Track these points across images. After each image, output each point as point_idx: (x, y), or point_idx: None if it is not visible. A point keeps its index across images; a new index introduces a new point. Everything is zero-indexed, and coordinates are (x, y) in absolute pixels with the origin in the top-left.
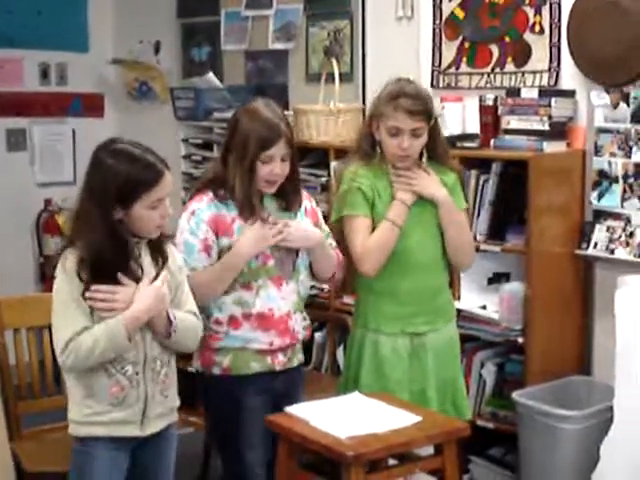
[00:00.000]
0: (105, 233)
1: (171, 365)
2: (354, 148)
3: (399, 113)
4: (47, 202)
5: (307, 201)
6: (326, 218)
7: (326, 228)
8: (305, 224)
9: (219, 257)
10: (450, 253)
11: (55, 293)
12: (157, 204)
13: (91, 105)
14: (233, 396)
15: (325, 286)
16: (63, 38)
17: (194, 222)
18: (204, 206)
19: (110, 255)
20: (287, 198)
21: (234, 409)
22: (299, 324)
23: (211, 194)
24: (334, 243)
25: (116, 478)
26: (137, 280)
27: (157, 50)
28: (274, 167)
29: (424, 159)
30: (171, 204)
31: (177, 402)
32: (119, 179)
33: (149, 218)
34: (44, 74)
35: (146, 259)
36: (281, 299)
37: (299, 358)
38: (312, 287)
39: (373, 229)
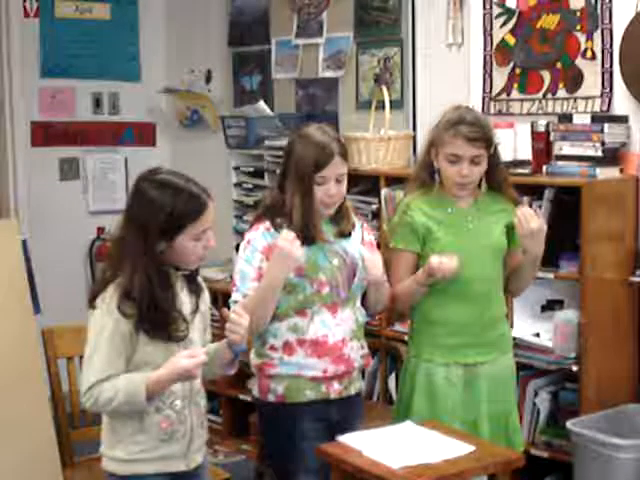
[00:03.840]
0: (148, 266)
1: (205, 398)
2: (412, 176)
3: (458, 140)
4: (100, 230)
5: (366, 232)
6: (377, 245)
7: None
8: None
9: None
10: (511, 286)
11: (92, 326)
12: (201, 235)
13: (143, 134)
14: (288, 423)
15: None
16: (115, 68)
17: (249, 251)
18: (259, 235)
19: (154, 288)
20: (340, 221)
21: (290, 436)
22: (355, 352)
23: (268, 223)
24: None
25: None
26: (181, 316)
27: (208, 79)
28: (329, 188)
29: (483, 188)
30: (222, 232)
31: (207, 435)
32: (164, 212)
33: (192, 249)
34: (97, 103)
35: (183, 292)
36: (336, 326)
37: (357, 387)
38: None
39: (417, 265)
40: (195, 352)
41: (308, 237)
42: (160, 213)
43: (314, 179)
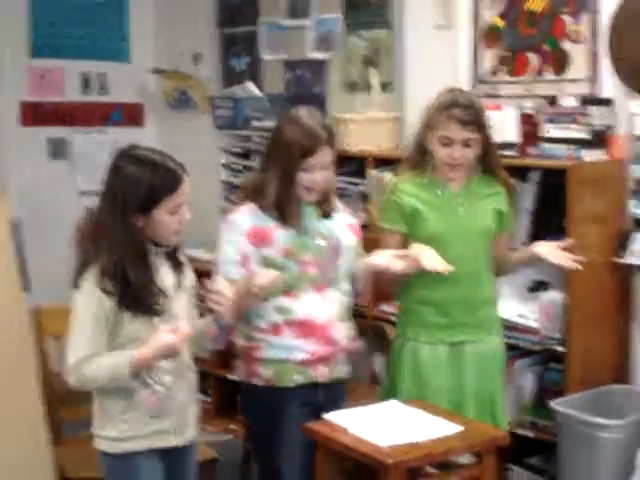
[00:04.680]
0: (126, 241)
1: (195, 373)
2: (405, 158)
3: (451, 123)
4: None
5: (351, 218)
6: (362, 227)
7: (359, 249)
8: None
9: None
10: (496, 269)
11: (75, 305)
12: (176, 209)
13: (131, 114)
14: (274, 408)
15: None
16: (104, 48)
17: (233, 234)
18: (243, 218)
19: (131, 263)
20: (322, 202)
21: (274, 420)
22: (342, 333)
23: (252, 204)
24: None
25: None
26: (160, 290)
27: (197, 60)
28: (315, 176)
29: (477, 171)
30: (209, 213)
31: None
32: (141, 186)
33: (169, 223)
34: (85, 84)
35: (165, 269)
36: (322, 306)
37: (343, 370)
38: None
39: (405, 245)
40: (176, 326)
41: (286, 220)
42: (138, 187)
43: (298, 166)
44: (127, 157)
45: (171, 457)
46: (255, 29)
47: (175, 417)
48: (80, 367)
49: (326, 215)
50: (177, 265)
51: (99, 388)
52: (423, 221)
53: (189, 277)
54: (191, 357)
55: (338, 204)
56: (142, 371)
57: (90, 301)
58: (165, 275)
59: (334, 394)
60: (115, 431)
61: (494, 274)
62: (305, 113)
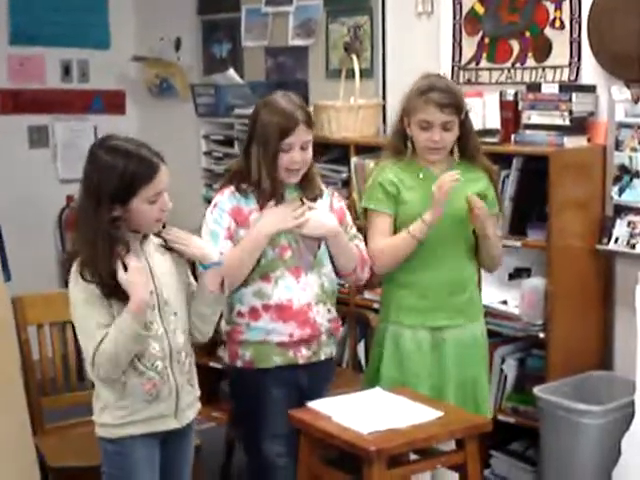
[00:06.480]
0: (98, 230)
1: (193, 355)
2: (386, 145)
3: (429, 106)
4: (69, 198)
5: (336, 200)
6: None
7: (352, 231)
8: (320, 213)
9: None
10: (481, 260)
11: (71, 303)
12: (155, 198)
13: (112, 102)
14: (256, 389)
15: (344, 282)
16: (84, 35)
17: (217, 213)
18: (225, 198)
19: (102, 252)
20: (305, 188)
21: (257, 401)
22: (322, 316)
23: (233, 187)
24: (361, 244)
25: (155, 472)
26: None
27: (178, 47)
28: (294, 155)
29: (456, 156)
30: (191, 200)
31: (199, 391)
32: (115, 175)
33: (149, 213)
34: (66, 71)
35: (156, 254)
36: (300, 290)
37: (326, 352)
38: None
39: (396, 225)
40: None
41: (266, 203)
42: (112, 177)
43: (277, 146)
44: (102, 146)
45: (168, 440)
46: (236, 16)
47: (171, 401)
48: (98, 356)
49: (309, 200)
50: (165, 251)
51: (122, 363)
52: (404, 203)
53: (180, 262)
54: (188, 341)
55: (324, 190)
56: (145, 314)
57: (78, 292)
58: (156, 262)
59: (318, 375)
60: (111, 418)
61: (484, 269)
62: (280, 96)
